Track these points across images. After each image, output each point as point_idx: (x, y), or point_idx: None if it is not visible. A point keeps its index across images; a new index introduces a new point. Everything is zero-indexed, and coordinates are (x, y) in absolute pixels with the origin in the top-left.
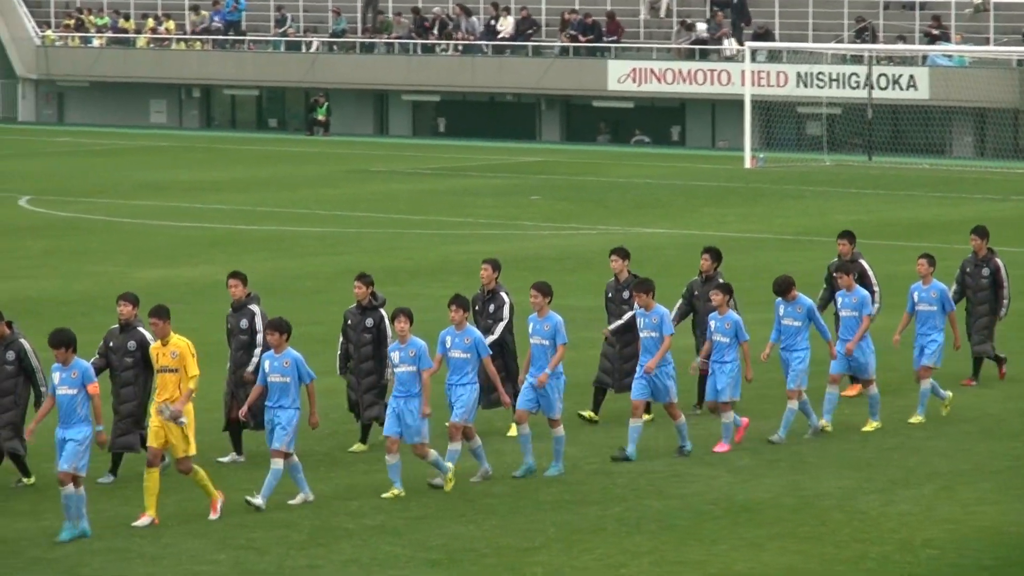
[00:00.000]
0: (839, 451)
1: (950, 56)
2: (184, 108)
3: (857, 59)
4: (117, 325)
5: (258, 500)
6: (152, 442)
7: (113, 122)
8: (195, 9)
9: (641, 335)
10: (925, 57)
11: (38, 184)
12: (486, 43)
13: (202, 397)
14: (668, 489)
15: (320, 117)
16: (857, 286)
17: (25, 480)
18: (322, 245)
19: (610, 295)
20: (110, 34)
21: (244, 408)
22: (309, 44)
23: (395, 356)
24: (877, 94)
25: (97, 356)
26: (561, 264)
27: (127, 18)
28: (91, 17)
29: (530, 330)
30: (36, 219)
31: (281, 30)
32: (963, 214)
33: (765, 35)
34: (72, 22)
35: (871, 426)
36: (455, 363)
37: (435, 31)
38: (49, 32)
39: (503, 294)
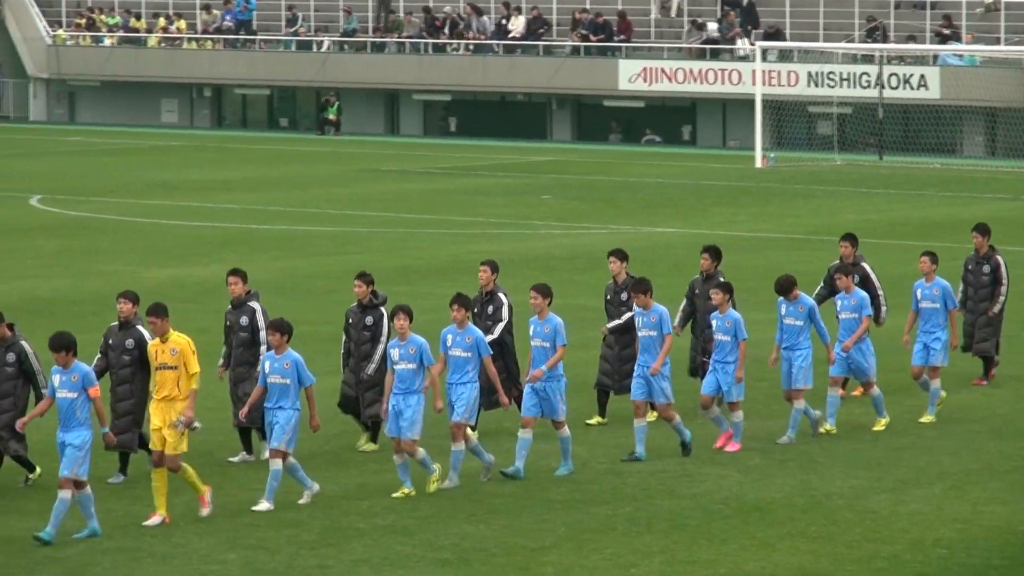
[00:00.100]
0: (849, 451)
1: (961, 56)
2: (195, 107)
3: (868, 59)
4: (117, 323)
5: (263, 505)
6: (155, 445)
7: (124, 121)
8: (207, 8)
9: (640, 334)
10: (936, 57)
11: (49, 183)
12: (497, 43)
13: (210, 396)
14: (678, 489)
15: (331, 116)
16: (856, 288)
17: (32, 476)
18: (333, 244)
19: (609, 297)
20: (121, 33)
21: (245, 409)
22: (320, 43)
23: (395, 353)
24: (888, 94)
25: (99, 356)
26: (572, 264)
27: (138, 17)
28: (102, 16)
29: (531, 332)
30: (47, 218)
31: (292, 29)
32: (974, 214)
33: (776, 35)
34: (83, 21)
35: (881, 424)
36: (456, 362)
37: (446, 30)
38: (60, 31)
39: (501, 295)
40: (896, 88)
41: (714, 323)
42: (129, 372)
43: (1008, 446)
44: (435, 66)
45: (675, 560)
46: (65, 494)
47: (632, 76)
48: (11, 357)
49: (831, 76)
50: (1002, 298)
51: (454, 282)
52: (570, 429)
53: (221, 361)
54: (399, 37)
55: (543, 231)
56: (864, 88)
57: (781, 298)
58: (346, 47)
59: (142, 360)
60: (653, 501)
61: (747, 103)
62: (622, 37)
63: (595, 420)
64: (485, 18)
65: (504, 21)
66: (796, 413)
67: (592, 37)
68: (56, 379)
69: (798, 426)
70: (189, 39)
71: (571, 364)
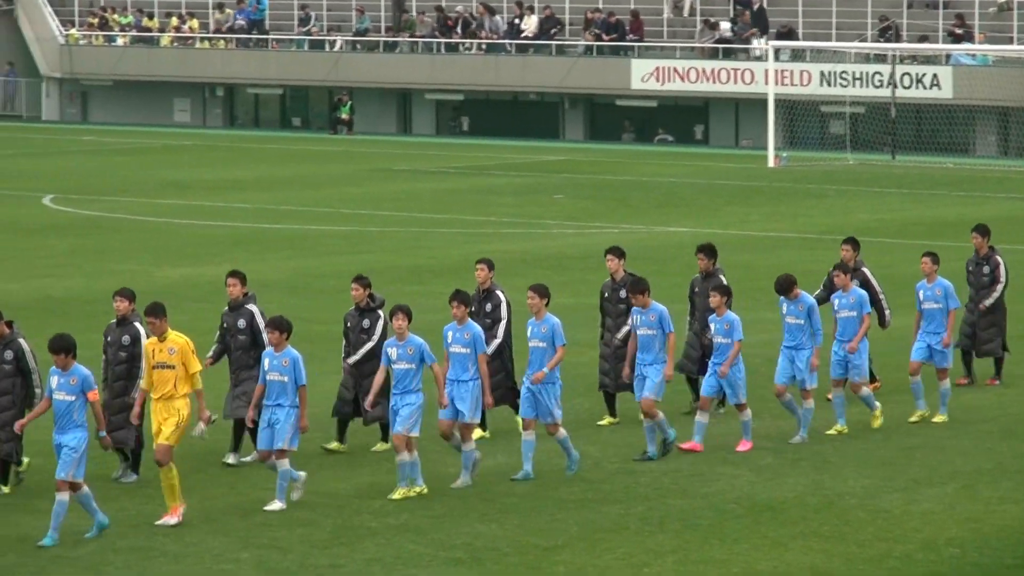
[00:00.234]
0: (861, 450)
1: (973, 55)
2: (208, 107)
3: (880, 58)
4: (114, 320)
5: (276, 505)
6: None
7: (137, 121)
8: (219, 7)
9: (638, 332)
10: (948, 56)
11: (62, 183)
12: (510, 42)
13: (218, 396)
14: (691, 488)
15: (343, 116)
16: (854, 286)
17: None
18: (345, 244)
19: (606, 295)
20: (134, 33)
21: (251, 411)
22: (333, 43)
23: (392, 352)
24: (900, 93)
25: (104, 359)
26: (584, 263)
27: (151, 17)
28: (115, 16)
29: (528, 333)
30: (60, 218)
31: (305, 29)
32: (986, 213)
33: (789, 34)
34: (96, 21)
35: (878, 420)
36: (457, 358)
37: (458, 30)
38: (73, 31)
39: (499, 293)
40: (909, 88)
41: (712, 326)
42: (125, 369)
43: (1020, 445)
44: (447, 66)
45: (688, 559)
46: (63, 496)
47: (645, 76)
48: (9, 355)
49: (844, 76)
50: (996, 294)
51: (466, 281)
52: (582, 429)
53: (210, 354)
54: (411, 36)
55: (555, 230)
56: (877, 88)
57: (782, 297)
58: (358, 46)
59: (138, 356)
60: (665, 500)
61: (760, 103)
62: (635, 37)
63: (606, 420)
64: (498, 17)
65: (517, 21)
66: (806, 412)
67: (605, 37)
68: (54, 381)
69: (809, 425)
70: (202, 38)
71: (581, 364)
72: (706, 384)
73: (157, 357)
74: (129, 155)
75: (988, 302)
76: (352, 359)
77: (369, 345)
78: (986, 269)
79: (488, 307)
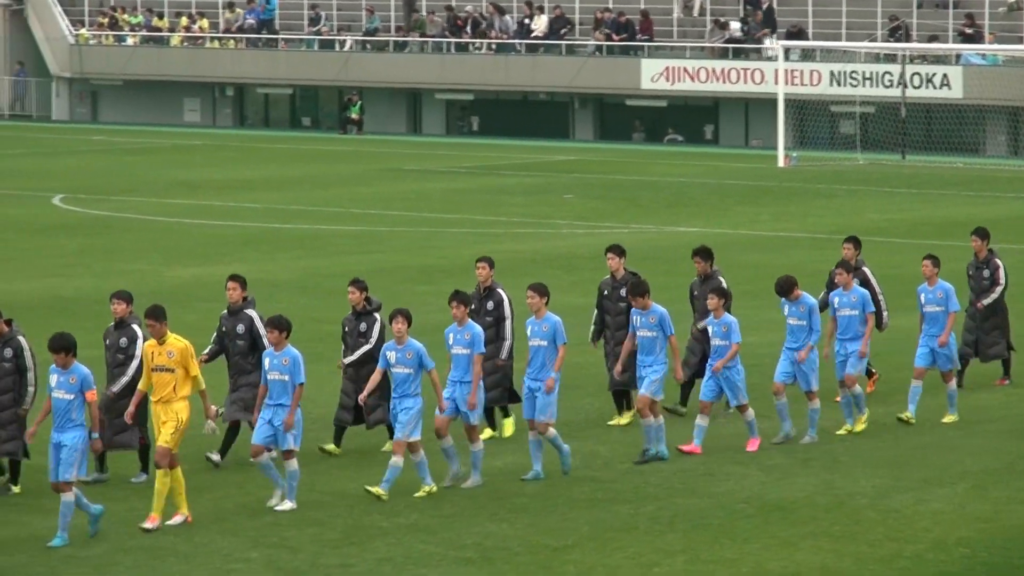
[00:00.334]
0: (872, 450)
1: (983, 55)
2: (218, 107)
3: (890, 58)
4: (113, 323)
5: (286, 505)
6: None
7: (147, 121)
8: (230, 7)
9: (638, 334)
10: (959, 56)
11: (72, 183)
12: (519, 42)
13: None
14: (701, 488)
15: (353, 116)
16: (855, 285)
17: (14, 488)
18: (355, 244)
19: (606, 292)
20: (144, 33)
21: (256, 414)
22: (342, 43)
23: (391, 356)
24: (910, 93)
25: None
26: (594, 263)
27: (161, 16)
28: (125, 16)
29: (528, 332)
30: (70, 218)
31: (315, 29)
32: (997, 213)
33: (798, 34)
34: (106, 21)
35: (861, 424)
36: (458, 359)
37: (468, 30)
38: (83, 31)
39: (500, 291)
40: (919, 87)
41: (710, 328)
42: (124, 371)
43: None
44: (457, 65)
45: (697, 559)
46: (68, 497)
47: (654, 75)
48: (8, 353)
49: (853, 75)
50: (994, 295)
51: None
52: (592, 429)
53: (205, 352)
54: (421, 36)
55: (565, 230)
56: (887, 87)
57: (783, 299)
58: (368, 46)
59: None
60: (675, 500)
61: (770, 102)
62: (645, 36)
63: (615, 420)
64: (508, 17)
65: (527, 20)
66: (813, 413)
67: (615, 36)
68: (53, 379)
69: (817, 424)
70: (212, 38)
71: (590, 364)
72: (705, 387)
73: (156, 360)
74: (139, 155)
75: (986, 301)
76: (348, 359)
77: (366, 348)
78: (986, 272)
79: (489, 305)
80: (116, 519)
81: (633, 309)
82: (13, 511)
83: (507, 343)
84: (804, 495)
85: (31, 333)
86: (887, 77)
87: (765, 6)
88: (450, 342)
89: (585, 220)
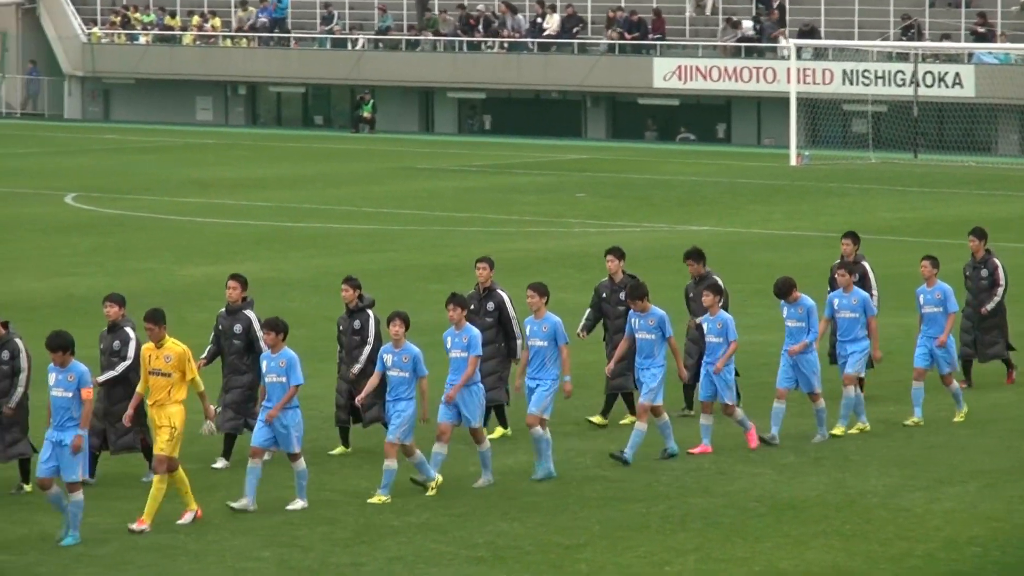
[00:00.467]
0: (883, 449)
1: (996, 54)
2: (230, 105)
3: (903, 57)
4: (106, 327)
5: (297, 504)
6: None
7: (159, 119)
8: (242, 5)
9: (637, 336)
10: (971, 55)
11: (84, 181)
12: (532, 40)
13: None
14: (712, 486)
15: (365, 114)
16: (856, 287)
17: (26, 487)
18: (367, 242)
19: (604, 295)
20: (156, 31)
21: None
22: (355, 41)
23: (388, 359)
24: (923, 92)
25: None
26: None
27: (173, 15)
28: (137, 14)
29: (528, 332)
30: (82, 216)
31: (327, 27)
32: (1008, 212)
33: (811, 33)
34: (118, 19)
35: (840, 429)
36: (455, 363)
37: (480, 28)
38: (95, 30)
39: (500, 292)
40: (931, 86)
41: (705, 325)
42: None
43: None
44: (470, 64)
45: (709, 558)
46: (77, 496)
47: (667, 74)
48: (6, 355)
49: (866, 74)
50: (997, 298)
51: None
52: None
53: (203, 355)
54: (434, 35)
55: (578, 229)
56: (899, 86)
57: (782, 301)
58: (381, 45)
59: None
60: (687, 499)
61: (782, 101)
62: (657, 35)
63: (626, 420)
64: (520, 16)
65: (539, 19)
66: (820, 412)
67: (627, 35)
68: (51, 378)
69: (826, 423)
70: (224, 37)
71: (599, 363)
72: (703, 387)
73: (153, 363)
74: (151, 153)
75: (990, 306)
76: (355, 369)
77: (367, 351)
78: (984, 272)
79: (490, 306)
80: (127, 518)
81: (631, 311)
82: (25, 510)
83: (519, 341)
84: (816, 494)
85: (44, 332)
86: (899, 76)
87: (776, 3)
88: (448, 345)
89: (597, 219)
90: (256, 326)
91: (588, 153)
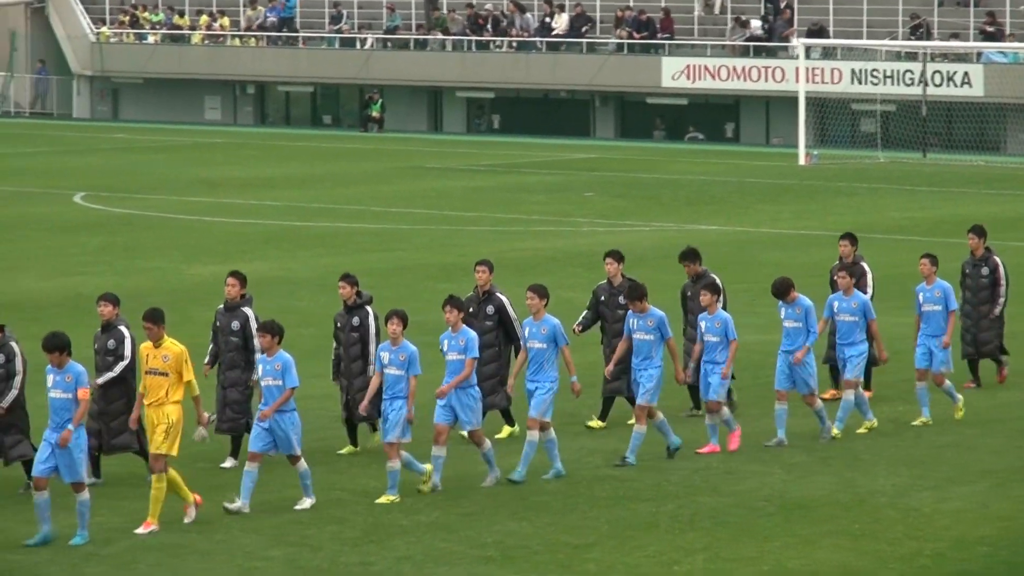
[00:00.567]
0: (892, 448)
1: (1005, 53)
2: (238, 105)
3: (911, 56)
4: (100, 327)
5: (305, 502)
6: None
7: (167, 118)
8: (251, 4)
9: (635, 337)
10: (980, 54)
11: (93, 180)
12: (540, 40)
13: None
14: (721, 486)
15: (374, 114)
16: (856, 291)
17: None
18: (376, 242)
19: (603, 298)
20: (164, 31)
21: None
22: (363, 41)
23: (384, 356)
24: (931, 91)
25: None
26: None
27: (181, 15)
28: (146, 14)
29: (526, 333)
30: (91, 215)
31: (336, 27)
32: (1018, 211)
33: (820, 32)
34: (127, 19)
35: (835, 432)
36: (452, 365)
37: (489, 28)
38: (104, 29)
39: (499, 294)
40: (940, 86)
41: (703, 324)
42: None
43: None
44: (478, 63)
45: (718, 557)
46: (83, 496)
47: (675, 73)
48: (0, 358)
49: (875, 73)
50: (1002, 299)
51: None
52: (611, 428)
53: (207, 359)
54: (442, 34)
55: (586, 228)
56: (908, 86)
57: (780, 301)
58: (389, 44)
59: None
60: (696, 498)
61: (790, 100)
62: (666, 34)
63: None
64: (528, 15)
65: (547, 19)
66: (820, 411)
67: (636, 34)
68: (49, 379)
69: (827, 421)
70: (232, 36)
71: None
72: (703, 388)
73: (150, 363)
74: (160, 153)
75: (998, 310)
76: (369, 371)
77: (373, 350)
78: (984, 271)
79: (489, 310)
80: (135, 517)
81: (629, 312)
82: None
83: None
84: (824, 493)
85: (52, 330)
86: (908, 75)
87: (783, 3)
88: (444, 348)
89: (606, 218)
90: (252, 324)
91: (597, 152)
